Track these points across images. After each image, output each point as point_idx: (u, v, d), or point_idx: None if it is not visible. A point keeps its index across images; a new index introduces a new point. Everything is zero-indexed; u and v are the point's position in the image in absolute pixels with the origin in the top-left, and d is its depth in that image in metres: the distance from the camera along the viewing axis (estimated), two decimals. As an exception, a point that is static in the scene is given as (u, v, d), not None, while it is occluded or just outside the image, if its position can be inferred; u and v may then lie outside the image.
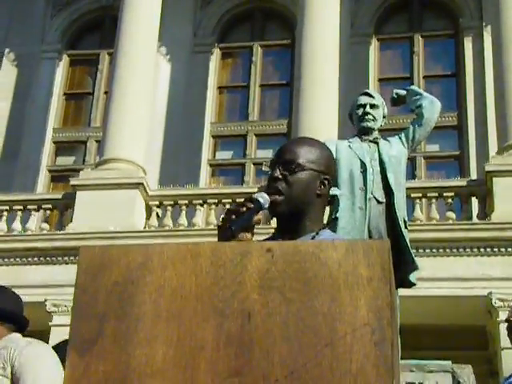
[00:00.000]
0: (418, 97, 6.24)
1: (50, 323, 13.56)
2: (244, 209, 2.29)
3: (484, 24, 17.06)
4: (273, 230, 2.53)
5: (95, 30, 19.35)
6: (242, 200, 2.37)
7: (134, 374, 1.73)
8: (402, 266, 5.53)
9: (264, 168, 2.57)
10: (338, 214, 5.80)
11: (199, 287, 1.80)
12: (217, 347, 1.73)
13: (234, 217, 2.29)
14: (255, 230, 2.37)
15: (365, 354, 1.68)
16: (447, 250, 13.15)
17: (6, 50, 18.76)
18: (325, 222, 5.99)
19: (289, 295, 1.77)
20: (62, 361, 3.56)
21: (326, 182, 2.48)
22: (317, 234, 2.41)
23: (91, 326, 1.79)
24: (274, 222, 2.52)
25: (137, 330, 1.77)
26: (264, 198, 2.35)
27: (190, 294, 1.80)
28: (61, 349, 3.88)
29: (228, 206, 14.68)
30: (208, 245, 1.87)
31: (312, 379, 1.68)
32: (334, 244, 1.84)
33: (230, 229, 2.24)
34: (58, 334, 12.09)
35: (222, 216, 2.33)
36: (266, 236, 2.54)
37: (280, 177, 2.40)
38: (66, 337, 2.03)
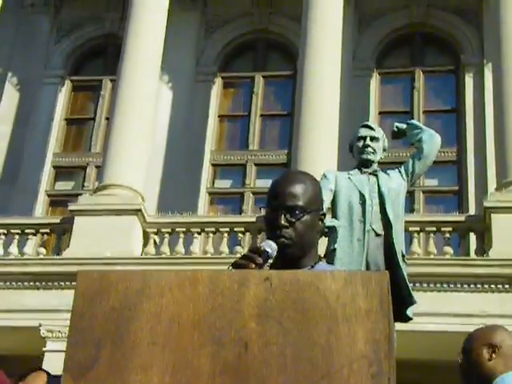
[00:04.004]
0: (418, 130, 6.27)
1: (43, 349, 13.48)
2: (253, 265, 2.26)
3: (485, 61, 17.17)
4: None
5: (98, 57, 19.45)
6: (249, 251, 2.34)
7: (128, 401, 1.72)
8: (399, 300, 5.50)
9: (262, 211, 2.55)
10: (336, 245, 5.80)
11: (196, 315, 1.79)
12: (213, 376, 1.72)
13: None
14: None
15: (361, 386, 1.67)
16: (444, 285, 13.11)
17: (9, 75, 18.84)
18: (323, 252, 5.97)
19: (286, 325, 1.76)
20: None
21: (323, 217, 2.52)
22: (312, 267, 2.42)
23: (87, 352, 1.77)
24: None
25: (133, 356, 1.76)
26: (272, 248, 2.35)
27: (187, 322, 1.79)
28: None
29: (225, 235, 14.65)
30: (206, 272, 1.86)
31: (308, 411, 1.67)
32: (333, 274, 1.83)
33: None
34: (52, 360, 12.02)
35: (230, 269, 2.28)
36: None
37: (287, 224, 2.40)
38: (61, 363, 2.02)
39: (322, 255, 5.51)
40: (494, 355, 2.97)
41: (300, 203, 2.42)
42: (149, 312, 1.80)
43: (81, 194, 16.44)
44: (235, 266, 2.28)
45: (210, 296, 1.81)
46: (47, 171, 18.19)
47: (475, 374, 2.99)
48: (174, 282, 1.83)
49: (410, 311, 5.71)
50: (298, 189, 2.44)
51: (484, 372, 2.96)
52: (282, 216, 2.41)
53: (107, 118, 17.39)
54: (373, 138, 6.16)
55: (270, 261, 2.41)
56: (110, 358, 1.76)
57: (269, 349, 1.74)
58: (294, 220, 2.41)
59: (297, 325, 1.76)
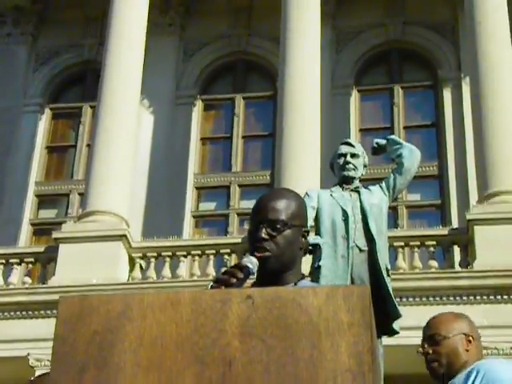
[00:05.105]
0: (397, 146, 6.31)
1: (32, 378, 13.35)
2: (234, 280, 2.27)
3: (462, 75, 17.32)
4: None
5: (77, 84, 19.45)
6: (231, 267, 2.35)
7: (113, 424, 1.71)
8: (385, 315, 5.51)
9: (246, 226, 2.57)
10: (320, 263, 5.81)
11: (179, 335, 1.79)
12: (198, 396, 1.72)
13: (224, 287, 2.26)
14: None
15: (346, 400, 1.68)
16: (430, 299, 13.14)
17: (-12, 104, 18.81)
18: (307, 270, 5.98)
19: (270, 342, 1.77)
20: None
21: (306, 234, 2.51)
22: (295, 284, 2.42)
23: (71, 377, 1.77)
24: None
25: (117, 379, 1.75)
26: (253, 263, 2.35)
27: (170, 343, 1.79)
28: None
29: (211, 258, 14.64)
30: (188, 293, 1.86)
31: (293, 427, 1.67)
32: (315, 290, 1.84)
33: None
34: (40, 390, 11.92)
35: (211, 285, 2.29)
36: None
37: (267, 237, 2.40)
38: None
39: (307, 273, 5.53)
40: (469, 345, 2.93)
41: (282, 217, 2.42)
42: (132, 334, 1.80)
43: (65, 222, 16.38)
44: (216, 281, 2.29)
45: (193, 316, 1.81)
46: (30, 200, 18.12)
47: (449, 363, 2.92)
48: (155, 304, 1.83)
49: (396, 325, 5.72)
50: (281, 203, 2.45)
51: (460, 361, 2.90)
52: (263, 229, 2.41)
53: (88, 145, 17.38)
54: (353, 155, 6.20)
55: (253, 277, 2.41)
56: (94, 382, 1.75)
57: (253, 366, 1.74)
58: (274, 234, 2.41)
59: (280, 341, 1.76)
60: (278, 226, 2.41)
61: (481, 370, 2.65)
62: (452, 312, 3.19)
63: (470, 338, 2.94)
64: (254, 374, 1.73)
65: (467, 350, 2.91)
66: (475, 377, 2.63)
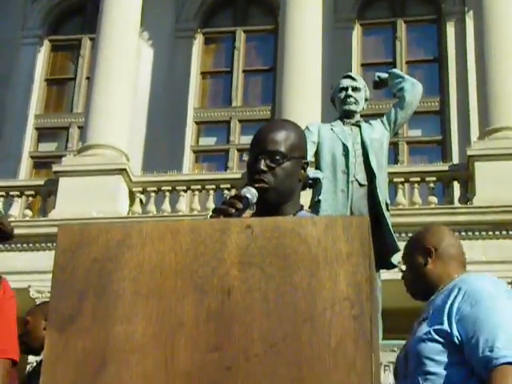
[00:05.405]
0: (399, 80, 6.25)
1: (33, 310, 13.51)
2: (233, 210, 2.26)
3: (466, 9, 17.09)
4: None
5: (77, 15, 19.21)
6: (230, 197, 2.35)
7: (113, 350, 1.73)
8: (383, 248, 5.54)
9: (244, 158, 2.55)
10: (320, 197, 5.82)
11: (179, 264, 1.80)
12: (196, 323, 1.73)
13: (223, 217, 2.25)
14: None
15: (344, 328, 1.69)
16: (429, 234, 13.21)
17: (-14, 36, 18.61)
18: (307, 204, 5.99)
19: (268, 271, 1.77)
20: None
21: (306, 166, 2.50)
22: (294, 215, 2.42)
23: (70, 304, 1.78)
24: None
25: (116, 306, 1.76)
26: (251, 193, 2.34)
27: (169, 271, 1.79)
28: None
29: (211, 193, 14.68)
30: (187, 222, 1.86)
31: (291, 353, 1.68)
32: (314, 220, 1.84)
33: None
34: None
35: (210, 215, 2.30)
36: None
37: (266, 169, 2.39)
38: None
39: (307, 207, 5.54)
40: (429, 259, 2.86)
41: (281, 149, 2.40)
42: (131, 263, 1.80)
43: (65, 155, 16.37)
44: (216, 211, 2.29)
45: (192, 245, 1.81)
46: (30, 133, 18.07)
47: (417, 281, 2.90)
48: (155, 233, 1.83)
49: (394, 259, 5.76)
50: (280, 135, 2.42)
51: (423, 278, 2.87)
52: (262, 161, 2.39)
53: (88, 78, 17.25)
54: (354, 89, 6.15)
55: (252, 209, 2.41)
56: (94, 309, 1.76)
57: (251, 295, 1.75)
58: (273, 165, 2.39)
59: (279, 270, 1.77)
60: (277, 158, 2.39)
61: (463, 286, 2.66)
62: (428, 227, 3.10)
63: (431, 253, 2.87)
64: (252, 302, 1.74)
65: (425, 264, 2.86)
66: (457, 293, 2.64)
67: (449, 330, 2.59)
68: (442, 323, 2.61)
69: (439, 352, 2.60)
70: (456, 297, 2.63)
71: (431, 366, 2.59)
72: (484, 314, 2.56)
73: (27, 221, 14.63)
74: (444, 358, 2.58)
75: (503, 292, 2.67)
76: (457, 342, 2.57)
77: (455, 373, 2.55)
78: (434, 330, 2.62)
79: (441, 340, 2.60)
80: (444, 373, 2.56)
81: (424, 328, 2.67)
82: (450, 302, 2.64)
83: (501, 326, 2.52)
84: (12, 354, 3.12)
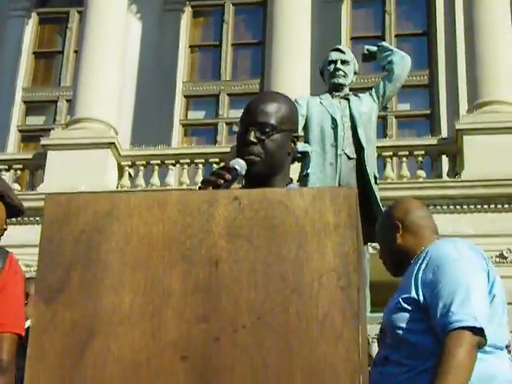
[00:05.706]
0: (388, 53, 6.24)
1: (22, 283, 13.51)
2: (222, 181, 2.25)
3: (456, -18, 17.02)
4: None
5: (64, -12, 19.04)
6: (219, 168, 2.34)
7: (101, 321, 1.73)
8: (371, 222, 5.54)
9: (235, 129, 2.54)
10: (309, 171, 5.83)
11: (166, 235, 1.79)
12: (184, 294, 1.73)
13: (211, 189, 2.25)
14: None
15: (331, 299, 1.69)
16: (418, 208, 13.25)
17: (-27, 9, 18.44)
18: (296, 178, 5.99)
19: (256, 242, 1.77)
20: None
21: (296, 139, 2.48)
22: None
23: (57, 275, 1.77)
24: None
25: (103, 278, 1.76)
26: (240, 165, 2.32)
27: (157, 242, 1.79)
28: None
29: (200, 166, 14.66)
30: (175, 193, 1.86)
31: (279, 325, 1.69)
32: (301, 192, 1.83)
33: None
34: (31, 294, 12.07)
35: (199, 187, 2.29)
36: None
37: (255, 141, 2.37)
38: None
39: (296, 180, 5.54)
40: (397, 234, 2.85)
41: (271, 121, 2.39)
42: (118, 234, 1.79)
43: (53, 129, 16.29)
44: (204, 182, 2.28)
45: (180, 216, 1.81)
46: (17, 106, 17.96)
47: (392, 258, 2.92)
48: (142, 204, 1.83)
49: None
50: (271, 107, 2.41)
51: (396, 254, 2.85)
52: (252, 133, 2.38)
53: (76, 51, 17.13)
54: (343, 62, 6.14)
55: (241, 181, 2.40)
56: (81, 280, 1.76)
57: (239, 266, 1.75)
58: (263, 137, 2.38)
59: (266, 242, 1.77)
60: (267, 130, 2.38)
61: (428, 253, 2.68)
62: (396, 201, 3.09)
63: (398, 228, 2.88)
64: (240, 273, 1.74)
65: (395, 240, 2.86)
66: (422, 261, 2.67)
67: (416, 297, 2.60)
68: (409, 291, 2.63)
69: (409, 320, 2.60)
70: (421, 264, 2.66)
71: (402, 335, 2.60)
72: (444, 279, 2.56)
73: (15, 194, 14.56)
74: (414, 326, 2.59)
75: (465, 255, 2.67)
76: (424, 308, 2.58)
77: (423, 340, 2.56)
78: (403, 299, 2.63)
79: (409, 308, 2.61)
80: (413, 340, 2.57)
81: (395, 298, 2.69)
82: (415, 270, 2.66)
83: (456, 291, 2.52)
84: (18, 329, 3.11)
